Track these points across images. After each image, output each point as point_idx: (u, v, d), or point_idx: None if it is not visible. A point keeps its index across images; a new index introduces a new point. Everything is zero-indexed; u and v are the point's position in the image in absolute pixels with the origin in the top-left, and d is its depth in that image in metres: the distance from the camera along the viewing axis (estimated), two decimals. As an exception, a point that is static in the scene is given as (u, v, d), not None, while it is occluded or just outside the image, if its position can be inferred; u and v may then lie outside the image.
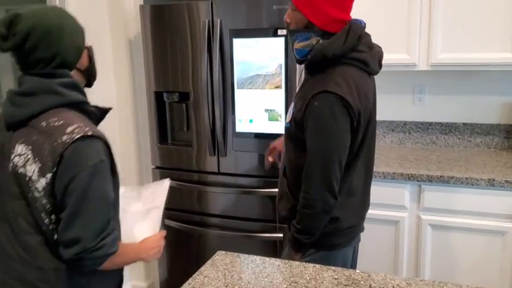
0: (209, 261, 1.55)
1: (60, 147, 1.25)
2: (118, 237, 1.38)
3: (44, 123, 1.30)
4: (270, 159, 2.17)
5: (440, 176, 2.36)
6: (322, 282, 1.39)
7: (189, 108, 2.68)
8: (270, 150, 2.17)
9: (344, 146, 1.62)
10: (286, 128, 1.77)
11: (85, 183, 1.26)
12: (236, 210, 2.68)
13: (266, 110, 2.47)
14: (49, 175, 1.26)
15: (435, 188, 2.39)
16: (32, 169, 1.28)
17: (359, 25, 1.67)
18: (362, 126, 1.65)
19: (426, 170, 2.45)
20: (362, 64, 1.65)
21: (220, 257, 1.57)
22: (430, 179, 2.38)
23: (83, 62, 1.43)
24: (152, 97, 2.74)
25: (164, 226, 2.81)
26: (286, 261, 1.53)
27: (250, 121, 2.51)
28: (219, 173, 2.65)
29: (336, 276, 1.42)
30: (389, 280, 1.39)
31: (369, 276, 1.42)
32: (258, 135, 2.52)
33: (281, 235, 2.57)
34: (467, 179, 2.32)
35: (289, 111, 1.77)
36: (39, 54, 1.32)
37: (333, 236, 1.74)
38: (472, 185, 2.32)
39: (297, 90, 1.81)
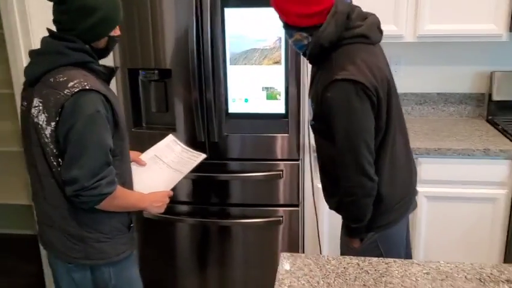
0: (280, 267, 1.38)
1: (62, 99, 1.43)
2: (115, 181, 1.53)
3: (52, 79, 1.47)
4: None
5: (438, 149, 2.38)
6: (416, 280, 1.30)
7: (169, 87, 2.39)
8: None
9: (367, 127, 1.59)
10: (312, 126, 1.76)
11: (81, 131, 1.43)
12: (231, 196, 2.49)
13: (264, 88, 2.28)
14: (53, 123, 1.45)
15: (432, 160, 2.41)
16: (42, 118, 1.47)
17: (344, 2, 1.60)
18: (383, 99, 1.61)
19: (419, 142, 2.45)
20: (362, 38, 1.61)
21: (289, 260, 1.41)
22: (428, 152, 2.39)
23: (99, 44, 1.56)
24: (126, 75, 2.39)
25: (143, 219, 2.55)
26: (364, 258, 1.42)
27: (246, 100, 2.30)
28: (209, 159, 2.42)
29: (426, 270, 1.34)
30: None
31: (456, 266, 1.36)
32: (255, 116, 2.33)
33: (280, 218, 2.46)
34: (463, 149, 2.37)
35: (308, 108, 1.76)
36: (65, 18, 1.48)
37: (387, 214, 1.72)
38: (468, 155, 2.37)
39: (309, 84, 1.76)
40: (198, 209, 2.53)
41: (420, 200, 2.46)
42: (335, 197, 1.74)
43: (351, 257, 1.43)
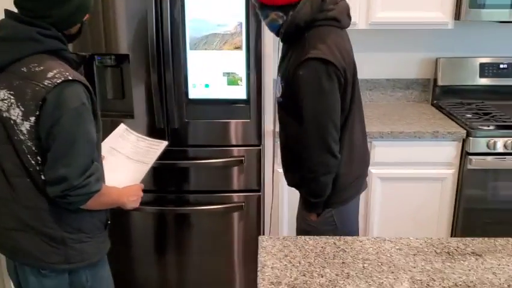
0: (260, 250, 1.40)
1: (43, 92, 1.31)
2: (101, 177, 1.47)
3: (24, 69, 1.35)
4: None
5: (391, 132, 2.49)
6: (391, 256, 1.37)
7: (126, 73, 2.33)
8: None
9: (334, 107, 1.66)
10: (280, 104, 1.80)
11: (68, 126, 1.34)
12: (192, 183, 2.47)
13: (225, 74, 2.27)
14: (33, 118, 1.33)
15: (384, 143, 2.52)
16: (16, 113, 1.34)
17: None
18: (349, 82, 1.69)
19: (373, 126, 2.55)
20: (334, 22, 1.67)
21: (268, 243, 1.43)
22: (382, 136, 2.49)
23: (72, 31, 1.48)
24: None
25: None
26: (340, 237, 1.46)
27: (206, 86, 2.28)
28: (169, 146, 2.38)
29: (398, 247, 1.41)
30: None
31: (425, 242, 1.44)
32: (215, 102, 2.32)
33: (242, 203, 2.47)
34: (414, 132, 2.49)
35: (277, 86, 1.78)
36: (38, 5, 1.36)
37: (343, 191, 1.80)
38: (419, 138, 2.49)
39: (278, 63, 1.82)
40: (158, 197, 2.49)
41: (374, 181, 2.57)
42: (295, 173, 1.80)
43: (328, 237, 1.47)
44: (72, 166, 1.35)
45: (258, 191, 2.52)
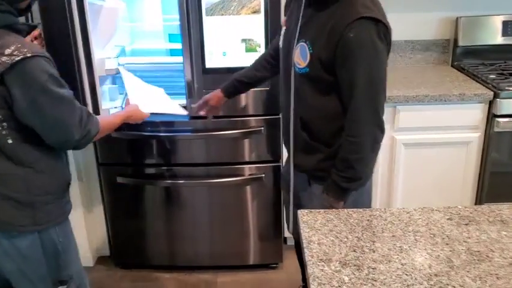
0: (302, 225, 1.32)
1: (0, 68, 1.31)
2: (96, 119, 1.55)
3: None
4: (202, 113, 2.05)
5: (416, 96, 2.39)
6: (442, 226, 1.29)
7: (138, 43, 2.21)
8: (202, 105, 2.04)
9: (385, 73, 1.54)
10: (303, 74, 1.57)
11: (46, 100, 1.38)
12: (210, 155, 2.39)
13: (243, 40, 2.15)
14: None
15: (410, 107, 2.42)
16: None
17: None
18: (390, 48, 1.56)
19: (396, 90, 2.45)
20: None
21: (309, 217, 1.35)
22: (407, 100, 2.39)
23: (22, 5, 1.46)
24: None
25: (116, 185, 2.40)
26: (385, 209, 1.38)
27: (224, 54, 2.17)
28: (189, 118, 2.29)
29: (448, 216, 1.34)
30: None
31: (475, 210, 1.37)
32: (234, 70, 2.19)
33: (262, 175, 2.40)
34: (440, 95, 2.39)
35: (298, 55, 1.56)
36: None
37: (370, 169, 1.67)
38: (445, 101, 2.40)
39: (298, 28, 1.58)
40: (181, 170, 2.41)
41: (398, 147, 2.49)
42: (319, 154, 1.65)
43: (372, 209, 1.40)
44: (67, 131, 1.45)
45: (278, 161, 2.44)
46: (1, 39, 1.35)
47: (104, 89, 2.23)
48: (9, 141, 1.42)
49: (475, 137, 2.47)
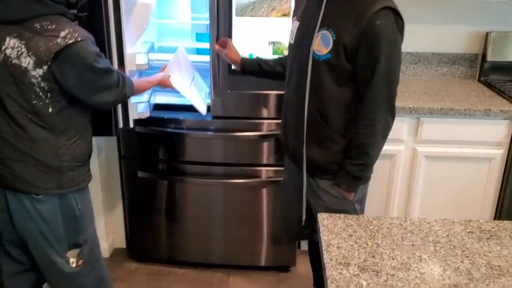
0: (322, 228, 1.32)
1: (55, 47, 1.50)
2: (130, 82, 1.77)
3: (37, 25, 1.52)
4: (217, 47, 2.06)
5: (441, 109, 2.37)
6: (463, 239, 1.28)
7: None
8: (222, 42, 2.06)
9: (401, 65, 1.63)
10: (323, 61, 1.60)
11: (92, 75, 1.59)
12: (230, 156, 2.40)
13: (270, 43, 2.16)
14: (45, 67, 1.51)
15: (434, 120, 2.41)
16: (27, 61, 1.51)
17: None
18: None
19: (421, 102, 2.44)
20: None
21: (329, 221, 1.36)
22: (431, 112, 2.38)
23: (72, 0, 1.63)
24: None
25: (137, 179, 2.43)
26: (405, 218, 1.38)
27: (250, 56, 2.18)
28: (211, 117, 2.32)
29: (469, 230, 1.33)
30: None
31: (497, 225, 1.35)
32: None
33: (280, 178, 2.40)
34: (465, 110, 2.37)
35: (318, 42, 1.61)
36: None
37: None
38: (470, 115, 2.38)
39: (319, 18, 1.62)
40: (200, 169, 2.43)
41: (420, 159, 2.47)
42: (337, 146, 1.69)
43: (392, 217, 1.39)
44: (108, 96, 1.67)
45: (298, 165, 2.44)
46: (57, 24, 1.53)
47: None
48: (50, 109, 1.58)
49: (498, 153, 2.44)
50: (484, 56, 2.82)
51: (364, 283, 1.10)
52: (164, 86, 2.06)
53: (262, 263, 2.62)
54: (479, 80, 2.87)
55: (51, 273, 1.78)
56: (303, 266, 2.62)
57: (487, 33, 2.78)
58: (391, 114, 1.64)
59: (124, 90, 1.71)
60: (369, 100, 1.59)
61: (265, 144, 2.37)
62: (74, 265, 1.75)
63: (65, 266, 1.74)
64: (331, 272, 1.14)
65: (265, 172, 2.43)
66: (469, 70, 2.92)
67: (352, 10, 1.55)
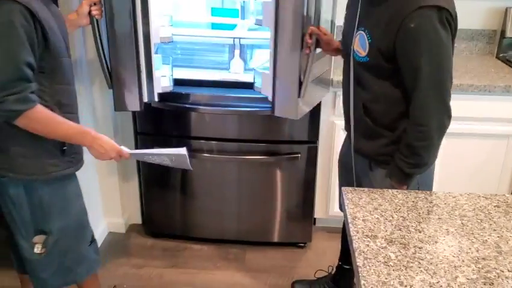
0: (347, 201, 1.32)
1: None
2: (28, 99, 1.42)
3: None
4: (307, 38, 1.86)
5: (460, 85, 2.34)
6: (489, 213, 1.28)
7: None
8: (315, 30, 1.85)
9: (451, 59, 1.50)
10: (362, 63, 1.58)
11: None
12: (248, 133, 2.40)
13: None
14: None
15: (452, 96, 2.35)
16: None
17: None
18: (455, 33, 1.52)
19: (439, 78, 2.40)
20: None
21: (354, 195, 1.35)
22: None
23: None
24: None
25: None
26: (431, 192, 1.38)
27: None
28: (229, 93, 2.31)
29: (495, 204, 1.32)
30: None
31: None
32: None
33: (298, 154, 2.40)
34: (485, 86, 2.34)
35: (357, 43, 1.57)
36: None
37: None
38: (489, 92, 2.35)
39: (357, 16, 1.59)
40: (212, 144, 2.43)
41: (437, 136, 2.44)
42: (383, 140, 1.65)
43: (417, 191, 1.39)
44: None
45: (314, 142, 2.43)
46: None
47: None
48: None
49: (517, 130, 2.42)
50: (503, 32, 2.77)
51: (392, 255, 1.10)
52: (105, 148, 1.64)
53: (278, 239, 2.63)
54: (497, 57, 2.83)
55: (20, 254, 1.74)
56: (318, 242, 2.64)
57: (506, 9, 2.73)
58: (446, 114, 1.51)
59: (9, 98, 1.38)
60: (419, 104, 1.49)
61: (284, 120, 2.36)
62: (38, 251, 1.67)
63: (28, 250, 1.69)
64: (358, 244, 1.14)
65: (284, 148, 2.42)
66: (487, 46, 2.88)
67: (387, 10, 1.48)
